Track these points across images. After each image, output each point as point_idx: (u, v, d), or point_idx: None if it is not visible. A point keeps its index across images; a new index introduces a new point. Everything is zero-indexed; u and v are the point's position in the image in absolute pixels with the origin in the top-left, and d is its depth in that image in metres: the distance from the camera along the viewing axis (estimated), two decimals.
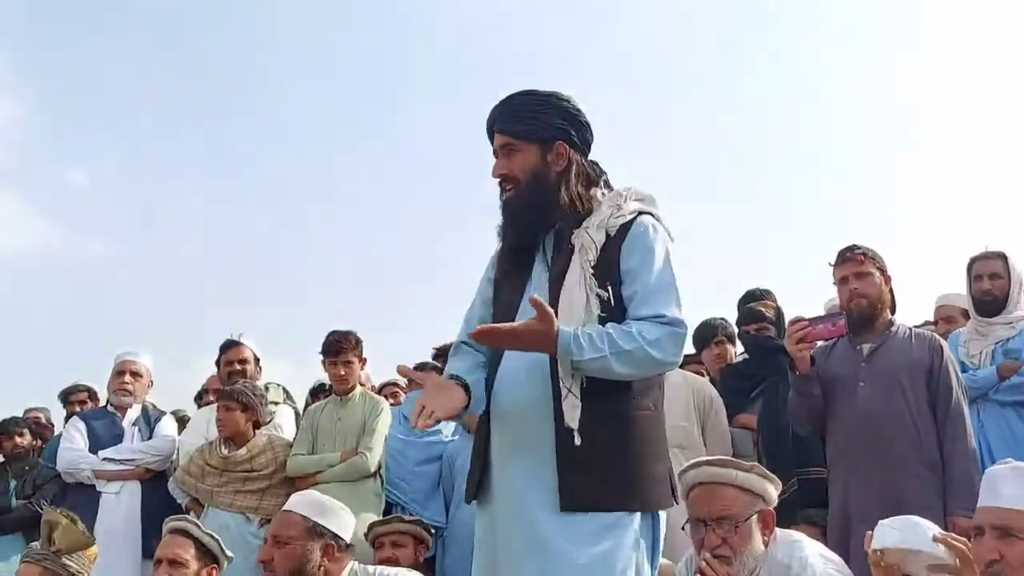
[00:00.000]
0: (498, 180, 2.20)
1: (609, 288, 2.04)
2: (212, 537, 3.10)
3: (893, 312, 3.46)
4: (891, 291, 3.43)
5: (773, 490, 2.31)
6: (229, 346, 4.89)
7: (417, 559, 3.63)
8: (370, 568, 2.82)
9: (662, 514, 2.08)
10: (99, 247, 13.58)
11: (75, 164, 13.82)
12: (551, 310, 1.96)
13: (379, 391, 5.21)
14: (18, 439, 4.95)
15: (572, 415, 1.98)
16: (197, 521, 3.21)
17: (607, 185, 2.22)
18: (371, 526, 3.76)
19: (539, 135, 2.15)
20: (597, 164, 2.25)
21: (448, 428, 4.63)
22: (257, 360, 4.86)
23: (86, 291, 12.66)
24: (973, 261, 4.08)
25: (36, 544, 3.21)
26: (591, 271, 2.05)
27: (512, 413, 2.09)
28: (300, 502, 2.86)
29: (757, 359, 4.35)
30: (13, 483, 4.80)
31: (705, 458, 2.48)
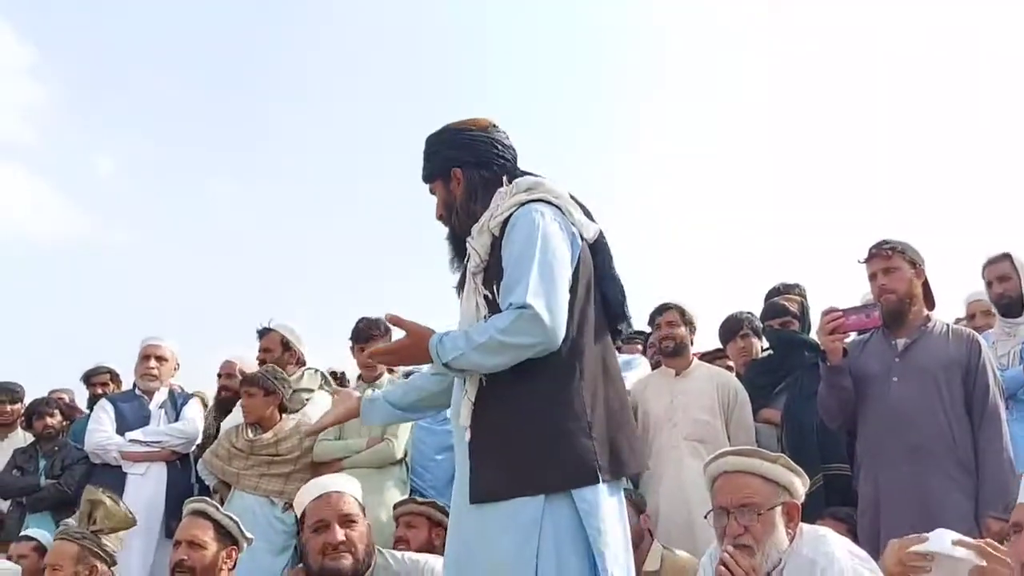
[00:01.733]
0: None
1: (495, 287, 2.14)
2: (231, 519, 3.10)
3: (931, 307, 3.38)
4: (925, 285, 3.35)
5: (799, 484, 2.26)
6: (262, 334, 4.94)
7: (431, 541, 3.56)
8: (396, 553, 2.80)
9: (590, 492, 2.04)
10: (124, 232, 13.76)
11: (101, 150, 14.00)
12: (413, 323, 2.16)
13: None
14: (48, 419, 4.99)
15: (465, 414, 2.15)
16: (216, 503, 3.21)
17: (511, 177, 2.29)
18: (394, 506, 3.81)
19: (438, 172, 2.35)
20: (505, 164, 2.33)
21: None
22: (286, 345, 4.86)
23: (111, 275, 12.83)
24: (983, 268, 4.13)
25: (71, 521, 3.24)
26: (480, 275, 2.19)
27: (451, 415, 2.30)
28: (343, 483, 2.84)
29: (781, 353, 4.31)
30: (43, 463, 4.86)
31: (730, 448, 2.44)
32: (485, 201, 2.26)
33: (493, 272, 2.16)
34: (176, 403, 4.85)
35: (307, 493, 2.84)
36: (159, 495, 4.55)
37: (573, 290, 2.14)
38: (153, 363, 4.86)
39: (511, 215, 2.17)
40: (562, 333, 2.06)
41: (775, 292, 4.59)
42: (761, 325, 4.51)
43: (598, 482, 2.05)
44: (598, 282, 2.29)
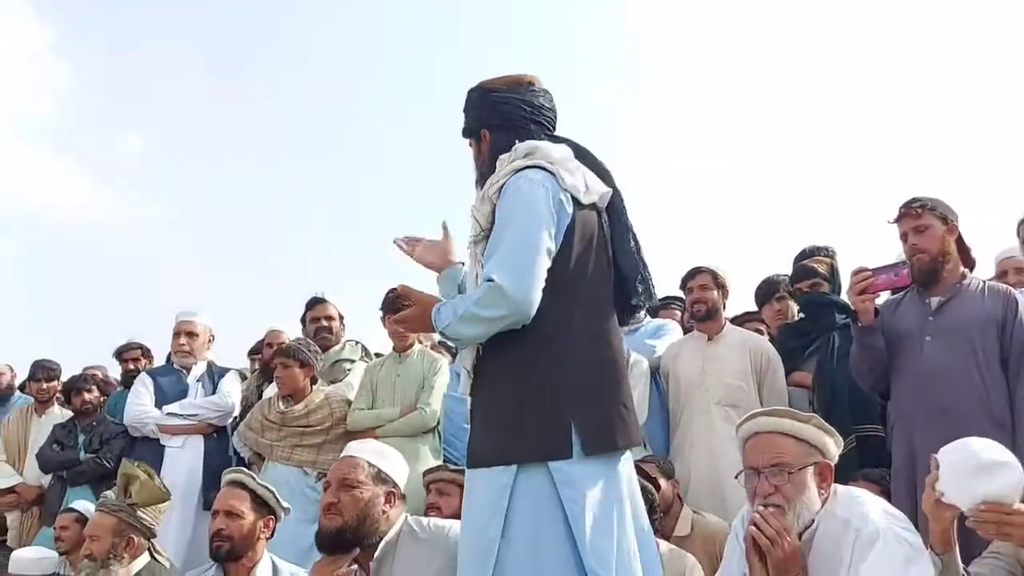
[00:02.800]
0: None
1: None
2: (268, 489, 3.14)
3: (968, 264, 3.30)
4: (959, 241, 3.27)
5: (832, 445, 2.22)
6: (315, 303, 4.99)
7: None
8: (423, 520, 2.80)
9: (567, 465, 2.02)
10: (152, 211, 13.88)
11: (125, 128, 14.10)
12: (419, 293, 2.24)
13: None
14: (86, 395, 5.08)
15: (464, 383, 2.23)
16: (253, 474, 3.25)
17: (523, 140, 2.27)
18: (424, 473, 3.78)
19: (470, 131, 2.37)
20: (538, 126, 2.29)
21: None
22: (341, 317, 4.97)
23: (140, 254, 12.97)
24: (1019, 226, 4.08)
25: (110, 494, 3.30)
26: (482, 244, 2.18)
27: None
28: (363, 448, 2.82)
29: (811, 316, 4.28)
30: (81, 437, 4.96)
31: (761, 409, 2.42)
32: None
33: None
34: (214, 377, 4.93)
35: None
36: (197, 467, 4.62)
37: (566, 258, 2.11)
38: (184, 340, 4.93)
39: (506, 183, 2.14)
40: (533, 304, 2.03)
41: (804, 255, 4.55)
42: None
43: (569, 456, 2.02)
44: (611, 249, 2.26)
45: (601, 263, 2.23)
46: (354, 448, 2.84)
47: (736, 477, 2.32)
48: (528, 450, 2.04)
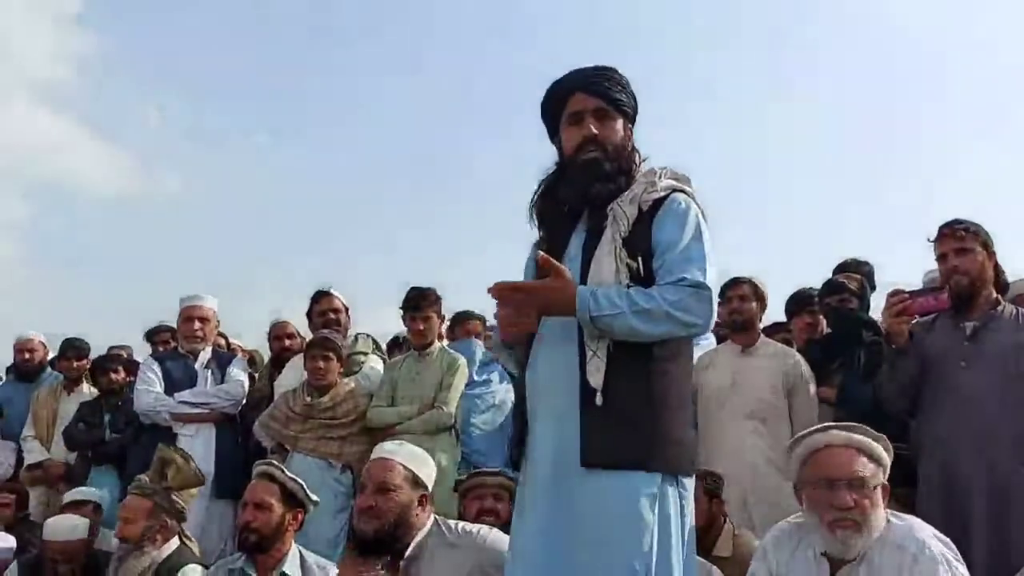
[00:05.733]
0: (585, 140, 2.24)
1: (639, 259, 2.11)
2: (297, 482, 3.17)
3: (1002, 291, 3.30)
4: (996, 268, 3.28)
5: (888, 466, 2.26)
6: (321, 296, 4.98)
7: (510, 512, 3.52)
8: (451, 523, 2.81)
9: (688, 482, 2.11)
10: (172, 182, 13.96)
11: (148, 100, 14.16)
12: (564, 267, 2.08)
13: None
14: (113, 375, 5.14)
15: (596, 376, 2.06)
16: (283, 467, 3.29)
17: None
18: (469, 476, 3.65)
19: (625, 110, 2.30)
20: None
21: (496, 375, 4.63)
22: (347, 309, 4.97)
23: (160, 228, 13.02)
24: None
25: (144, 477, 3.35)
26: (621, 242, 2.13)
27: (545, 375, 2.19)
28: (400, 452, 2.82)
29: (838, 331, 4.26)
30: (107, 416, 5.00)
31: (835, 423, 2.41)
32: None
33: (637, 244, 2.13)
34: (221, 362, 4.90)
35: (373, 453, 2.89)
36: (209, 455, 4.58)
37: None
38: (197, 325, 4.87)
39: (666, 196, 2.18)
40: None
41: (844, 267, 4.53)
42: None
43: (692, 473, 2.14)
44: None
45: None
46: (391, 450, 2.84)
47: (795, 487, 2.33)
48: (671, 460, 2.07)
